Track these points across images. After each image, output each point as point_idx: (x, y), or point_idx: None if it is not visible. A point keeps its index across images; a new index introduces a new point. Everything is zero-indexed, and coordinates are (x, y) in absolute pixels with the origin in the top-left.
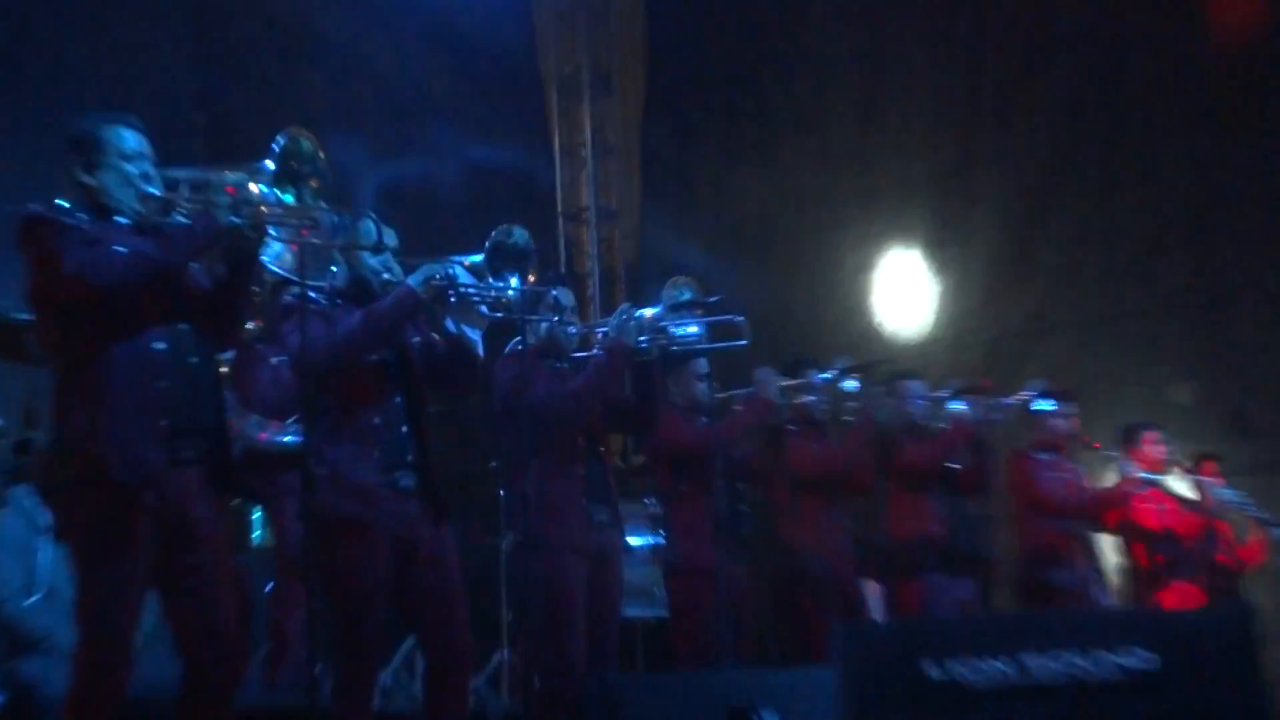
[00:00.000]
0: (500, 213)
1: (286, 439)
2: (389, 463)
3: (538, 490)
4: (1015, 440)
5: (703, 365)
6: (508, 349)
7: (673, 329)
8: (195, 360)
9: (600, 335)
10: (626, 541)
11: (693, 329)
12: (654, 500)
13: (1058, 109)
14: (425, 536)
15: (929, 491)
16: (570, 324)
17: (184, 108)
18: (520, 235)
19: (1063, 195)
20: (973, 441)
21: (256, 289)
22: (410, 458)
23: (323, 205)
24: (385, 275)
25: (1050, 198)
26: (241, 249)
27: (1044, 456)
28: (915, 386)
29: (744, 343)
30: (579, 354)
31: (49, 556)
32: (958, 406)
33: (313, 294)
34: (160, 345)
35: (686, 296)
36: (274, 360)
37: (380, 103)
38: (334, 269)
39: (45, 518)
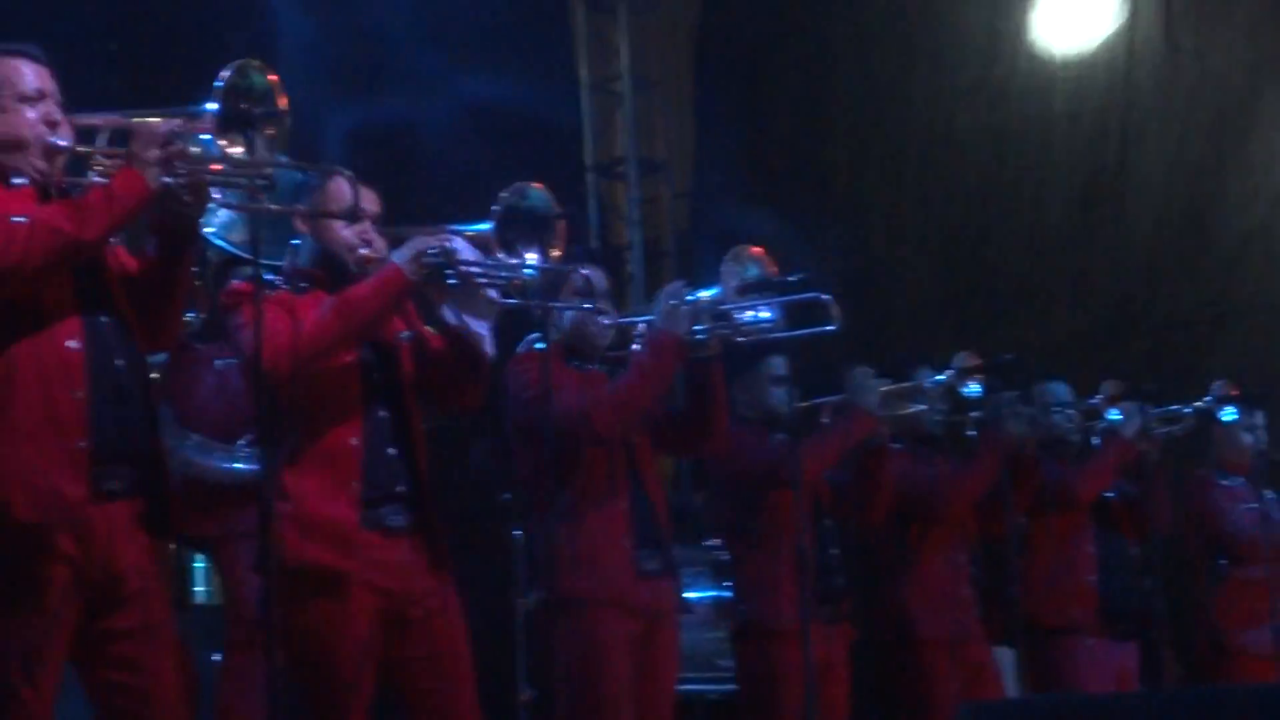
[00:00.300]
0: (511, 167)
1: (237, 465)
2: (373, 496)
3: (568, 530)
4: (1193, 461)
5: (779, 366)
6: (522, 346)
7: (738, 315)
8: (120, 364)
9: (643, 326)
10: (684, 598)
11: (765, 314)
12: (717, 542)
13: None
14: (421, 591)
15: (1078, 528)
16: (604, 312)
17: (96, 34)
18: (538, 197)
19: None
20: (1134, 463)
21: (196, 270)
22: (400, 488)
23: (281, 159)
24: (363, 250)
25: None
26: (178, 218)
27: (1230, 483)
28: (1058, 391)
29: (832, 328)
30: (616, 351)
31: None
32: (1114, 417)
33: (269, 275)
34: (74, 344)
35: (754, 273)
36: (219, 364)
37: (348, 24)
38: (295, 242)
39: None
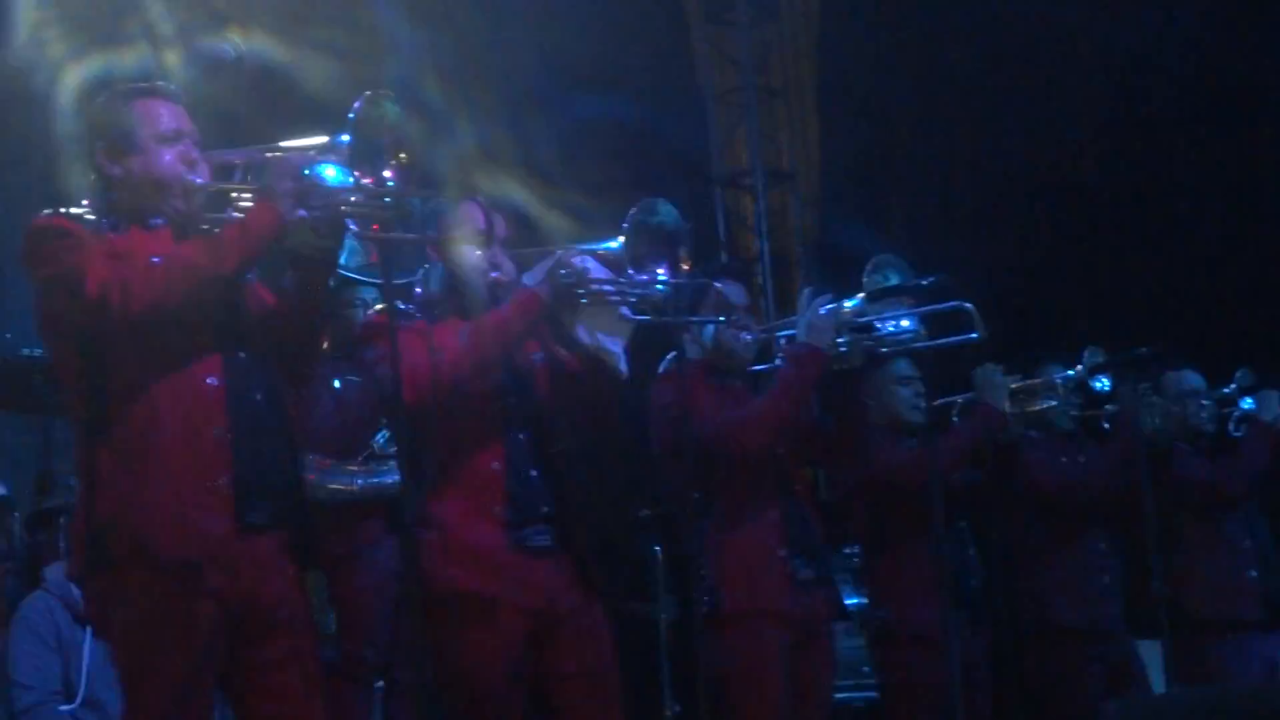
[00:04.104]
0: (637, 184)
1: (356, 483)
2: (517, 518)
3: (720, 544)
4: None
5: (904, 367)
6: (664, 365)
7: (880, 326)
8: (259, 398)
9: (783, 340)
10: (843, 604)
11: (906, 324)
12: (855, 549)
13: None
14: (567, 609)
15: (1221, 520)
16: (745, 327)
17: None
18: (667, 212)
19: None
20: (1277, 452)
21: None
22: (544, 509)
23: (410, 188)
24: (494, 274)
25: None
26: (314, 250)
27: None
28: (1191, 380)
29: (975, 336)
30: (758, 367)
31: (94, 654)
32: (1249, 405)
33: (402, 305)
34: (214, 381)
35: (894, 282)
36: (337, 384)
37: (464, 40)
38: (424, 268)
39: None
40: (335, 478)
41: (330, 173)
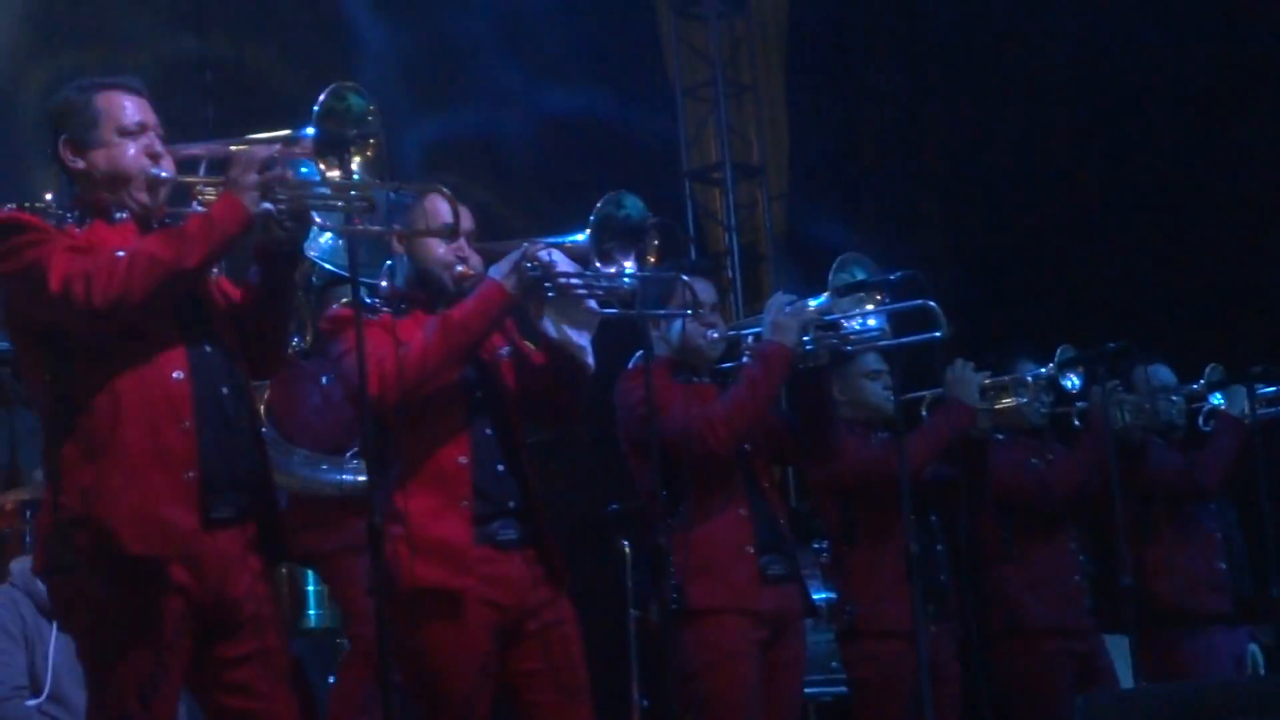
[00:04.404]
0: (605, 177)
1: (345, 478)
2: (484, 512)
3: (689, 541)
4: None
5: (871, 362)
6: (633, 362)
7: (846, 324)
8: (225, 392)
9: (751, 338)
10: (811, 600)
11: (873, 322)
12: (823, 544)
13: None
14: (536, 604)
15: (1194, 513)
16: (713, 325)
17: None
18: (633, 205)
19: None
20: (1247, 446)
21: (300, 291)
22: (511, 504)
23: (376, 180)
24: (460, 268)
25: None
26: (279, 244)
27: None
28: (1163, 375)
29: (940, 335)
30: (724, 365)
31: (60, 648)
32: (1218, 401)
33: (368, 299)
34: (179, 375)
35: (861, 278)
36: (325, 380)
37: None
38: (388, 262)
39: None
40: (320, 471)
41: (295, 166)
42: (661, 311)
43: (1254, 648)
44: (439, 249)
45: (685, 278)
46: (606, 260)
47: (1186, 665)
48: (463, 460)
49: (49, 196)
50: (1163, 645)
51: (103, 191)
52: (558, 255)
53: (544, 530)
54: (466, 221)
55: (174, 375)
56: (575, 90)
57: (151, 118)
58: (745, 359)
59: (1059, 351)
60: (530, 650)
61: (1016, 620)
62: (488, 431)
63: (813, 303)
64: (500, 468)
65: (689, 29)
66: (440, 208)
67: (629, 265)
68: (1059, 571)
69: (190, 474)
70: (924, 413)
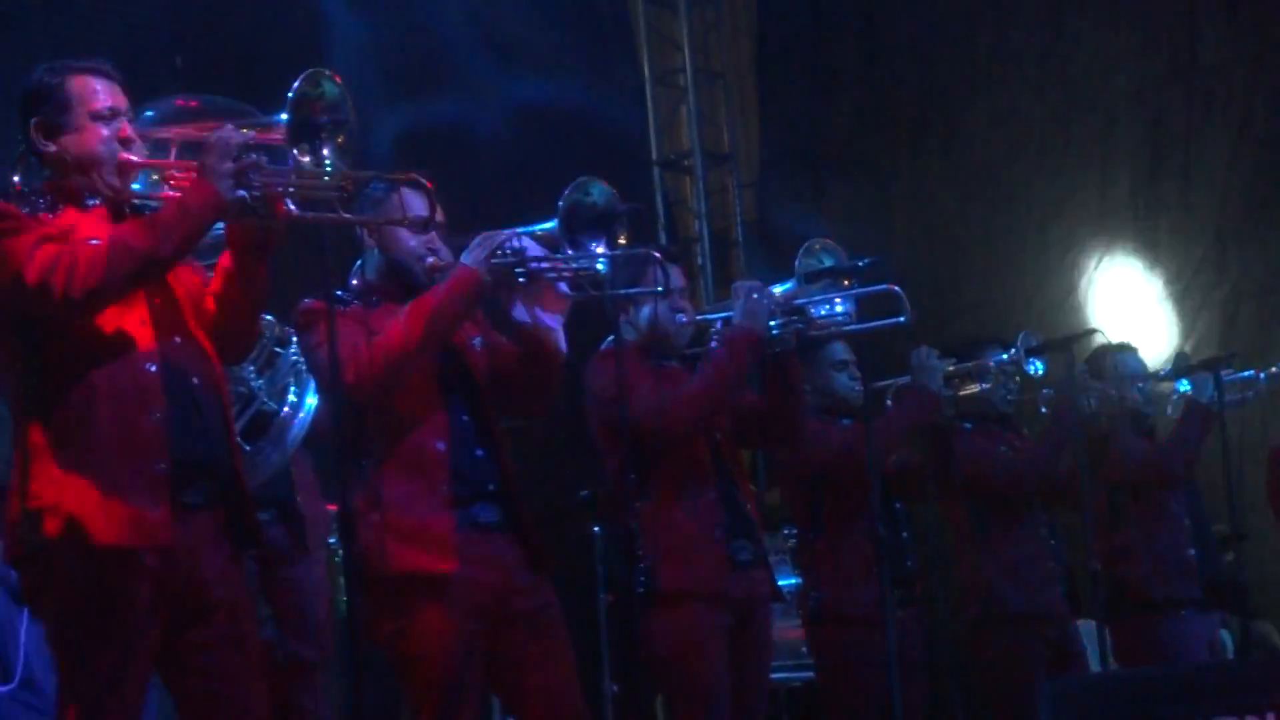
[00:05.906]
0: (576, 165)
1: None
2: (465, 495)
3: (657, 525)
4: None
5: (839, 351)
6: (602, 347)
7: (813, 310)
8: (196, 381)
9: (720, 323)
10: (778, 586)
11: (839, 308)
12: (790, 530)
13: None
14: (521, 585)
15: (1164, 499)
16: (682, 310)
17: (159, 47)
18: (600, 192)
19: None
20: (1212, 433)
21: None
22: (491, 486)
23: (349, 169)
24: (430, 259)
25: None
26: (253, 231)
27: None
28: (1131, 363)
29: (903, 320)
30: (693, 349)
31: (32, 635)
32: (1185, 388)
33: (339, 290)
34: (151, 366)
35: (828, 264)
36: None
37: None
38: (360, 258)
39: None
40: None
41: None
42: (633, 289)
43: (1224, 633)
44: (410, 241)
45: (657, 254)
46: (576, 247)
47: (1162, 650)
48: (441, 446)
49: (16, 179)
50: (1138, 631)
51: (74, 175)
52: (528, 241)
53: (524, 513)
54: (438, 213)
55: (147, 367)
56: (546, 79)
57: (123, 102)
58: (714, 344)
59: (1021, 337)
60: (518, 631)
61: (992, 607)
62: (464, 418)
63: (779, 288)
64: (479, 452)
65: (659, 17)
66: (412, 199)
67: (599, 249)
68: (1032, 557)
69: (161, 465)
70: (888, 401)
